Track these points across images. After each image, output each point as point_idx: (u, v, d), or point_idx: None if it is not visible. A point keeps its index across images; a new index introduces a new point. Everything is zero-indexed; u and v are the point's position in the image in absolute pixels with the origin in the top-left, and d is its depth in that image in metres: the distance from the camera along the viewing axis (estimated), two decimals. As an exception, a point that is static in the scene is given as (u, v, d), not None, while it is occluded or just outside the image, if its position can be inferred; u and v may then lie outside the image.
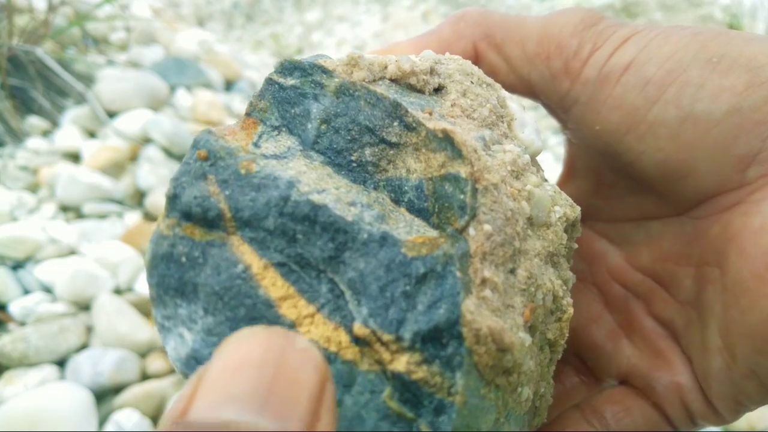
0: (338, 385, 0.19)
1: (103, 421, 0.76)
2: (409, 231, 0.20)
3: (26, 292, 0.88)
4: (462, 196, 0.20)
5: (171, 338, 0.21)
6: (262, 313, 0.20)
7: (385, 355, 0.19)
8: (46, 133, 1.20)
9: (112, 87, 1.25)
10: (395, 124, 0.22)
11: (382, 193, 0.22)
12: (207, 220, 0.21)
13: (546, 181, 0.25)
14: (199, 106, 1.33)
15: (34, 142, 1.15)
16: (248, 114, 0.24)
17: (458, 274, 0.19)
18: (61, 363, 0.82)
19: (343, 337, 0.20)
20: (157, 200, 1.07)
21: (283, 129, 0.23)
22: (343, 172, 0.22)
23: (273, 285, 0.20)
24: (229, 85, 1.58)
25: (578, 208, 0.25)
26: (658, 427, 0.27)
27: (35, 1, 1.37)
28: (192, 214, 0.21)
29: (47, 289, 0.89)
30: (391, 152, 0.22)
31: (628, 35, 0.26)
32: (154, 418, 0.79)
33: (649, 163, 0.25)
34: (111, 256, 0.93)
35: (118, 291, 0.91)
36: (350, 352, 0.19)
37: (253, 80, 1.66)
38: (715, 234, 0.25)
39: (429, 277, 0.19)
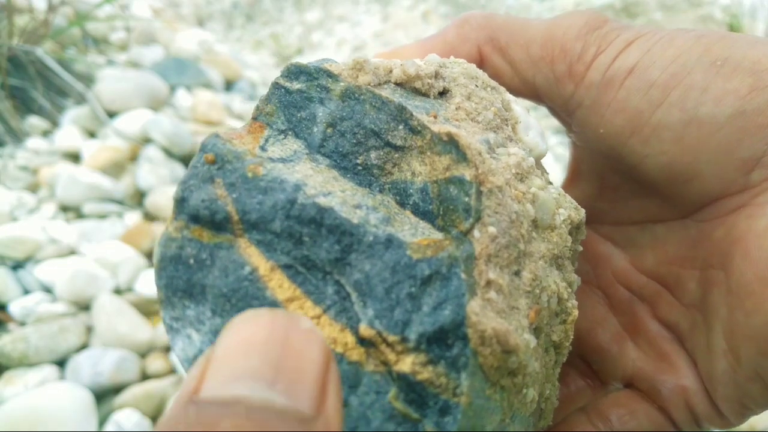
0: (344, 385, 0.19)
1: (103, 421, 0.76)
2: (414, 233, 0.21)
3: (26, 292, 0.88)
4: (467, 199, 0.20)
5: (179, 339, 0.21)
6: None
7: (391, 356, 0.19)
8: (46, 133, 1.20)
9: (112, 87, 1.25)
10: (400, 127, 0.22)
11: (388, 196, 0.22)
12: (215, 222, 0.21)
13: (550, 183, 0.25)
14: (199, 106, 1.33)
15: (34, 142, 1.15)
16: (255, 118, 0.24)
17: (463, 275, 0.19)
18: (61, 363, 0.82)
19: (349, 338, 0.20)
20: (157, 200, 1.07)
21: (290, 132, 0.23)
22: (348, 175, 0.22)
23: (280, 287, 0.20)
24: (229, 85, 1.58)
25: (582, 211, 0.25)
26: (664, 429, 0.27)
27: (35, 1, 1.37)
28: (200, 217, 0.21)
29: (47, 289, 0.89)
30: (396, 155, 0.22)
31: (632, 39, 0.26)
32: (154, 418, 0.79)
33: (654, 166, 0.25)
34: (111, 256, 0.93)
35: (118, 291, 0.91)
36: (356, 353, 0.20)
37: (253, 80, 1.66)
38: (720, 237, 0.25)
39: (434, 278, 0.19)
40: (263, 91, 1.63)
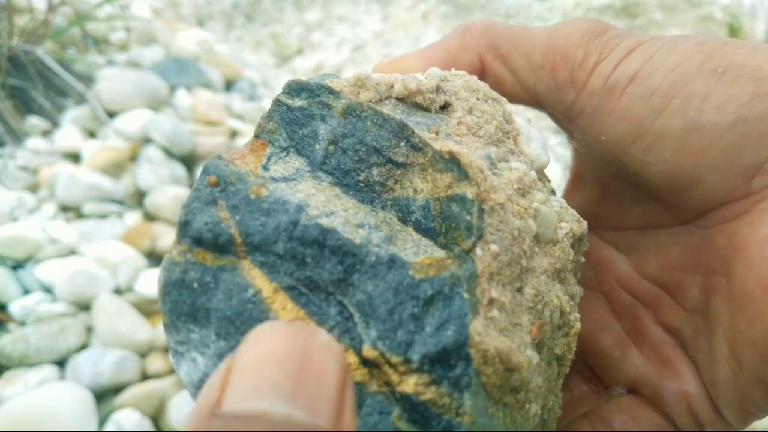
0: None
1: (103, 421, 0.76)
2: (417, 251, 0.21)
3: (26, 292, 0.88)
4: (469, 217, 0.20)
5: (184, 363, 0.21)
6: None
7: (394, 377, 0.19)
8: (46, 133, 1.20)
9: (112, 87, 1.25)
10: (402, 144, 0.22)
11: (390, 213, 0.22)
12: (218, 245, 0.21)
13: (553, 193, 0.25)
14: (199, 106, 1.33)
15: (34, 142, 1.15)
16: (257, 136, 0.24)
17: (466, 295, 0.19)
18: (61, 363, 0.82)
19: (352, 359, 0.20)
20: (157, 200, 1.07)
21: (292, 150, 0.24)
22: (350, 193, 0.22)
23: (283, 308, 0.20)
24: (229, 85, 1.58)
25: (585, 223, 0.25)
26: None
27: (35, 1, 1.37)
28: (203, 240, 0.21)
29: (47, 289, 0.89)
30: (398, 172, 0.22)
31: (633, 46, 0.26)
32: (154, 418, 0.79)
33: (656, 173, 0.25)
34: (111, 256, 0.93)
35: (118, 291, 0.92)
36: (359, 374, 0.20)
37: (253, 80, 1.66)
38: (722, 243, 0.25)
39: (437, 298, 0.19)
40: (263, 91, 1.63)
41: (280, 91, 0.25)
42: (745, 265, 0.23)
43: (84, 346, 0.84)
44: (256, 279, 0.21)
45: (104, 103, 1.23)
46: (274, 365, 0.14)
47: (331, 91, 0.24)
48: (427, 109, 0.25)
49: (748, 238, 0.23)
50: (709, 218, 0.26)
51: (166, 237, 1.01)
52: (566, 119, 0.28)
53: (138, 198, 1.11)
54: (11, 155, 1.10)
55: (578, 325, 0.24)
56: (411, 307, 0.19)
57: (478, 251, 0.20)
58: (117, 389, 0.80)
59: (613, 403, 0.29)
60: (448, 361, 0.19)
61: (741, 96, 0.23)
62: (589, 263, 0.31)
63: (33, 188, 1.08)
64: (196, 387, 0.21)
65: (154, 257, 1.00)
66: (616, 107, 0.26)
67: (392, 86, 0.24)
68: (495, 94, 0.27)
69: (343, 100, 0.23)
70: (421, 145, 0.22)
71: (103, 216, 1.04)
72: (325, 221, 0.21)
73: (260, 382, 0.14)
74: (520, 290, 0.21)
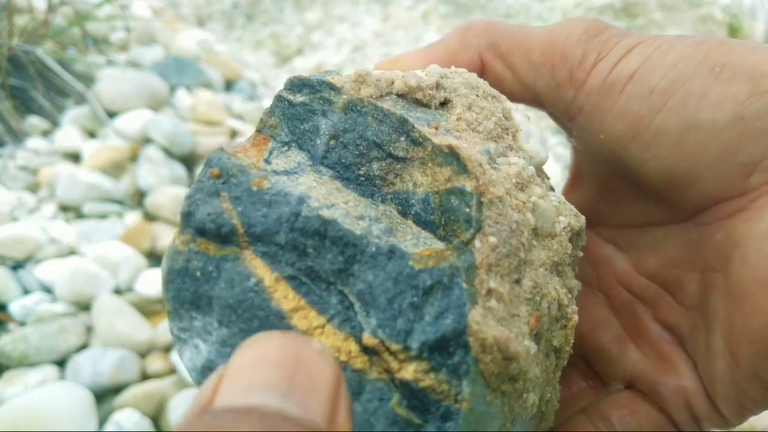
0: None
1: (103, 421, 0.76)
2: (416, 243, 0.21)
3: (26, 292, 0.88)
4: (467, 210, 0.21)
5: (187, 349, 0.22)
6: (275, 324, 0.21)
7: (393, 364, 0.19)
8: (46, 133, 1.20)
9: (112, 87, 1.25)
10: (402, 139, 0.23)
11: (390, 206, 0.22)
12: (220, 235, 0.21)
13: (552, 190, 0.25)
14: (199, 106, 1.33)
15: (34, 142, 1.15)
16: (259, 130, 0.24)
17: (464, 285, 0.19)
18: (61, 363, 0.82)
19: (353, 347, 0.20)
20: (157, 200, 1.08)
21: (293, 144, 0.24)
22: (351, 186, 0.23)
23: (284, 297, 0.21)
24: (229, 85, 1.58)
25: (582, 218, 0.26)
26: (664, 430, 0.28)
27: (35, 1, 1.37)
28: (206, 230, 0.22)
29: (47, 289, 0.89)
30: (398, 166, 0.23)
31: (632, 45, 0.26)
32: (154, 418, 0.79)
33: (654, 170, 0.26)
34: (111, 256, 0.93)
35: (118, 291, 0.92)
36: (359, 362, 0.20)
37: (253, 80, 1.67)
38: (719, 240, 0.25)
39: (436, 288, 0.20)
40: (263, 91, 1.63)
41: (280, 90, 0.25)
42: (742, 262, 0.23)
43: (84, 346, 0.84)
44: (258, 269, 0.21)
45: (104, 103, 1.24)
46: (267, 367, 0.14)
47: (332, 87, 0.24)
48: (427, 106, 0.25)
49: (745, 235, 0.23)
50: (707, 215, 0.26)
51: (166, 237, 1.02)
52: (565, 117, 0.28)
53: (138, 198, 1.12)
54: (11, 155, 1.10)
55: (576, 317, 0.25)
56: (410, 297, 0.20)
57: (477, 243, 0.20)
58: (117, 389, 0.80)
59: (611, 399, 0.29)
60: (447, 348, 0.19)
61: (738, 94, 0.23)
62: (588, 260, 0.32)
63: (33, 188, 1.08)
64: (199, 373, 0.21)
65: (154, 257, 1.00)
66: (615, 105, 0.26)
67: (393, 83, 0.24)
68: (494, 91, 0.27)
69: (344, 96, 0.24)
70: (420, 140, 0.22)
71: (103, 216, 1.05)
72: (326, 213, 0.21)
73: (252, 381, 0.14)
74: (518, 282, 0.22)
